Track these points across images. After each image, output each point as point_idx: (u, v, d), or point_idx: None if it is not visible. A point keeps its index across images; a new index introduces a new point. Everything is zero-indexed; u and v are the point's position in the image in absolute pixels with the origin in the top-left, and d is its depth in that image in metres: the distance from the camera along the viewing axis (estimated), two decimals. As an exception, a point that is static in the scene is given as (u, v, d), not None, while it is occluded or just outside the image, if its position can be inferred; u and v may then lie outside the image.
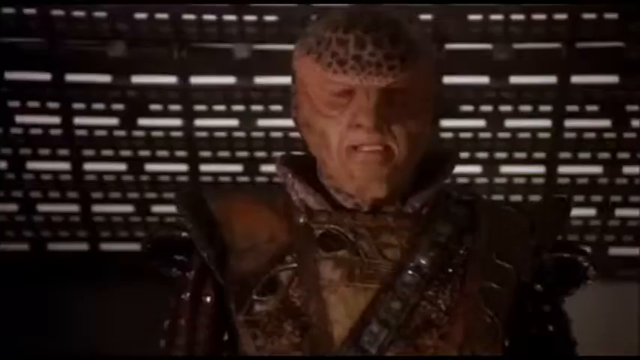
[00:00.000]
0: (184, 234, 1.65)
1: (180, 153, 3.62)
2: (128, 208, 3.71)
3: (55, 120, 3.58)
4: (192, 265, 1.65)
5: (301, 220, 1.61)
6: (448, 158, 1.66)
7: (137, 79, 3.53)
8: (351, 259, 1.58)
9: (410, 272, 1.57)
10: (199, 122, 3.58)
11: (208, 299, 1.63)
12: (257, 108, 3.55)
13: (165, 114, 3.57)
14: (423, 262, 1.58)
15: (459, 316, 1.57)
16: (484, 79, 3.52)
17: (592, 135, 3.58)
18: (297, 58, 1.62)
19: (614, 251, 3.74)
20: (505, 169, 3.65)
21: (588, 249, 3.69)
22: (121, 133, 3.59)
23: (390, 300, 1.56)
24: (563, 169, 3.64)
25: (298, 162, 1.66)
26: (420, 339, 1.56)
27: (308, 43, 1.59)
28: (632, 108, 3.53)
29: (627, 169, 3.62)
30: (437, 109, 1.63)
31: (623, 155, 3.60)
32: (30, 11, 3.42)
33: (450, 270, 1.59)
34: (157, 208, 3.69)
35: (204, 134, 3.59)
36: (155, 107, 3.56)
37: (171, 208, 3.66)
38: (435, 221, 1.61)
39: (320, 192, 1.62)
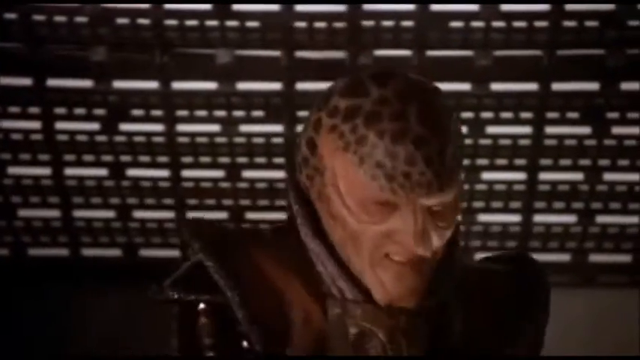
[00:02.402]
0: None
1: (162, 158, 3.62)
2: (109, 214, 3.70)
3: (36, 125, 3.58)
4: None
5: (335, 312, 1.50)
6: (457, 242, 1.57)
7: (118, 84, 3.53)
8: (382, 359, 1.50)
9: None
10: (181, 127, 3.58)
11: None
12: (239, 113, 3.55)
13: (146, 119, 3.56)
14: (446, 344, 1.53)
15: None
16: (465, 86, 3.53)
17: (573, 142, 3.59)
18: (326, 144, 1.48)
19: (594, 258, 3.76)
20: (486, 175, 3.66)
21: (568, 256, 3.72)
22: (103, 138, 3.58)
23: None
24: (543, 176, 3.65)
25: (318, 222, 1.52)
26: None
27: (343, 134, 1.46)
28: (612, 115, 3.55)
29: (608, 176, 3.63)
30: None
31: (604, 162, 3.61)
32: (11, 16, 3.41)
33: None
34: (138, 214, 3.68)
35: (185, 140, 3.59)
36: (136, 112, 3.56)
37: (152, 214, 3.66)
38: (451, 317, 1.55)
39: (351, 277, 1.50)
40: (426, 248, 1.45)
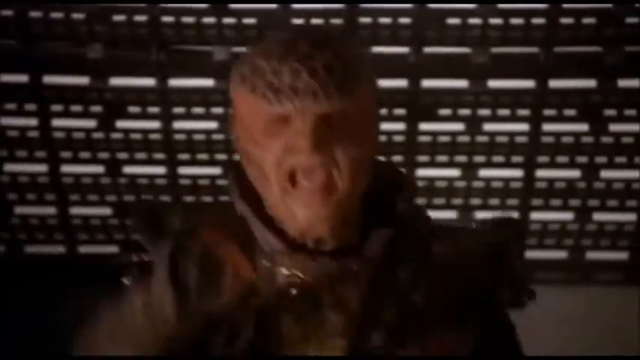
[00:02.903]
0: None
1: (159, 155, 3.61)
2: (106, 211, 3.70)
3: (33, 122, 3.57)
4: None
5: (264, 263, 1.56)
6: (402, 185, 1.61)
7: (115, 81, 3.52)
8: (312, 313, 1.53)
9: (375, 330, 1.53)
10: (178, 125, 3.57)
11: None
12: (235, 111, 3.54)
13: (143, 116, 3.56)
14: (387, 315, 1.53)
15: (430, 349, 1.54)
16: (462, 83, 3.53)
17: (570, 139, 3.59)
18: (233, 88, 1.59)
19: (591, 255, 3.76)
20: (483, 172, 3.66)
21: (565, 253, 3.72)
22: (99, 135, 3.58)
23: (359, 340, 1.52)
24: (541, 173, 3.65)
25: (253, 189, 1.60)
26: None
27: (243, 73, 1.56)
28: (609, 112, 3.55)
29: (605, 174, 3.63)
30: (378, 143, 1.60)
31: (601, 160, 3.61)
32: (7, 13, 3.41)
33: (412, 319, 1.55)
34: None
35: (182, 137, 3.58)
36: (133, 109, 3.56)
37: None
38: (394, 266, 1.56)
39: (277, 229, 1.56)
40: (322, 152, 1.49)
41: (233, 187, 1.62)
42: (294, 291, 1.53)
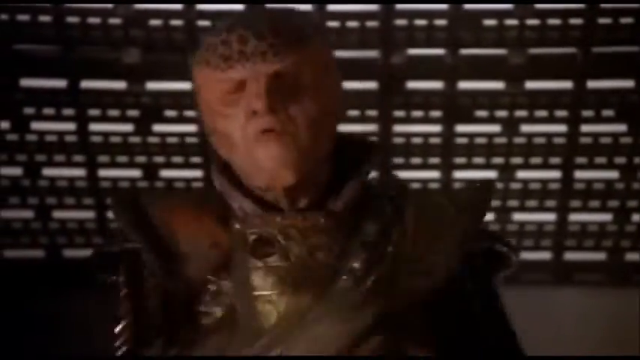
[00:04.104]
0: (127, 244, 1.66)
1: (195, 159, 3.63)
2: (143, 215, 3.71)
3: (70, 126, 3.59)
4: (121, 270, 1.69)
5: (236, 226, 1.61)
6: (371, 149, 1.66)
7: (152, 85, 3.54)
8: (282, 265, 1.57)
9: (344, 277, 1.56)
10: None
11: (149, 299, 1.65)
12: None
13: (179, 120, 3.57)
14: (356, 265, 1.57)
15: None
16: (499, 85, 3.51)
17: (608, 140, 3.57)
18: (193, 69, 1.65)
19: (630, 257, 3.73)
20: (521, 174, 3.64)
21: (603, 255, 3.70)
22: (136, 139, 3.60)
23: (327, 306, 1.55)
24: (579, 174, 3.63)
25: (232, 169, 1.65)
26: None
27: (198, 54, 1.63)
28: (648, 112, 3.53)
29: (644, 174, 3.61)
30: (340, 105, 1.64)
31: (640, 160, 3.59)
32: (45, 18, 3.43)
33: (380, 270, 1.58)
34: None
35: (218, 140, 3.58)
36: (170, 113, 3.57)
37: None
38: (362, 219, 1.60)
39: (251, 196, 1.62)
40: (278, 112, 1.54)
41: (213, 164, 1.67)
42: (263, 246, 1.58)
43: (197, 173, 3.65)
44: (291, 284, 1.56)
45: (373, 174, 1.66)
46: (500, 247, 1.67)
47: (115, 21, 3.43)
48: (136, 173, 3.66)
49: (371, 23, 3.41)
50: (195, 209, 1.64)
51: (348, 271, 1.56)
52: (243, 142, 1.57)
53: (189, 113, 3.56)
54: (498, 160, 3.61)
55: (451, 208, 1.64)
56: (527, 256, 3.69)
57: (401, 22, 3.41)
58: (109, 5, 3.41)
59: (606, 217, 3.68)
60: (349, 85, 3.37)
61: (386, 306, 1.56)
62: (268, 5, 1.71)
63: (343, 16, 3.41)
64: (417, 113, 3.54)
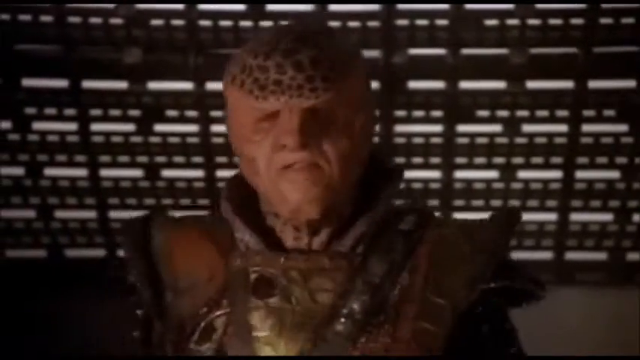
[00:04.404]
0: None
1: (197, 159, 3.63)
2: (145, 214, 3.71)
3: (72, 126, 3.60)
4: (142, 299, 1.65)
5: (237, 262, 1.57)
6: (392, 175, 1.61)
7: (153, 85, 3.54)
8: (282, 307, 1.54)
9: (342, 320, 1.52)
10: (215, 128, 3.58)
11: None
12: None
13: (181, 120, 3.57)
14: (356, 307, 1.53)
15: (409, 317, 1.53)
16: (500, 84, 3.51)
17: (609, 140, 3.57)
18: (225, 87, 1.61)
19: (631, 256, 3.73)
20: (522, 174, 3.64)
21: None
22: (138, 139, 3.60)
23: (321, 352, 1.52)
24: (580, 174, 3.63)
25: (244, 192, 1.61)
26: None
27: (232, 71, 1.57)
28: (649, 112, 3.53)
29: (645, 174, 3.61)
30: (372, 136, 1.60)
31: (641, 160, 3.59)
32: (46, 18, 3.44)
33: (383, 314, 1.53)
34: (174, 214, 3.68)
35: (220, 140, 3.59)
36: (171, 113, 3.57)
37: (187, 214, 3.67)
38: (370, 257, 1.56)
39: (259, 229, 1.58)
40: (309, 148, 1.51)
41: (223, 188, 1.64)
42: (264, 286, 1.55)
43: (198, 173, 3.65)
44: (290, 327, 1.53)
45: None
46: (520, 285, 1.58)
47: (116, 21, 3.44)
48: (137, 173, 3.66)
49: (372, 23, 3.41)
50: (199, 238, 1.61)
51: (346, 314, 1.53)
52: (267, 172, 1.53)
53: (191, 113, 3.57)
54: (499, 159, 3.61)
55: (466, 246, 1.58)
56: (528, 256, 3.70)
57: (402, 22, 3.41)
58: (111, 5, 3.41)
59: (607, 217, 3.68)
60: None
61: (384, 350, 1.52)
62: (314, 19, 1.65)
63: (344, 16, 3.41)
64: (419, 113, 3.54)
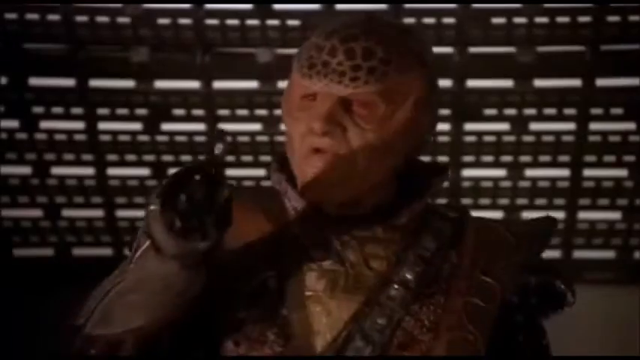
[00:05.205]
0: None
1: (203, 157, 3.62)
2: (152, 213, 3.71)
3: (79, 125, 3.60)
4: None
5: (291, 228, 1.59)
6: (438, 173, 1.64)
7: (160, 84, 3.54)
8: (336, 269, 1.56)
9: (396, 287, 1.56)
10: (222, 127, 3.58)
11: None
12: (280, 112, 3.53)
13: (188, 119, 3.58)
14: (409, 276, 1.56)
15: (442, 333, 1.56)
16: (508, 83, 3.51)
17: (617, 138, 3.56)
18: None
19: (639, 255, 3.72)
20: (529, 172, 3.64)
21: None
22: (145, 138, 3.60)
23: (375, 315, 1.55)
24: (587, 172, 3.62)
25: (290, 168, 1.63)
26: (402, 356, 1.55)
27: (299, 51, 1.61)
28: (657, 111, 3.52)
29: (653, 172, 3.60)
30: (416, 141, 1.60)
31: (649, 158, 3.58)
32: (54, 17, 3.44)
33: (435, 285, 1.57)
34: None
35: (227, 139, 3.58)
36: (178, 112, 3.57)
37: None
38: (421, 235, 1.59)
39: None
40: (332, 136, 1.53)
41: (274, 161, 1.66)
42: (319, 249, 1.57)
43: (206, 172, 3.65)
44: (343, 288, 1.56)
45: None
46: (557, 285, 1.63)
47: (123, 20, 3.44)
48: (144, 172, 3.66)
49: (379, 22, 3.41)
50: (252, 205, 1.62)
51: (400, 281, 1.56)
52: (298, 152, 1.57)
53: (198, 112, 3.57)
54: (507, 158, 3.61)
55: (511, 238, 1.62)
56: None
57: (409, 20, 3.41)
58: (118, 4, 3.42)
59: (615, 215, 3.67)
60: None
61: (436, 320, 1.56)
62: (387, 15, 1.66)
63: (351, 15, 3.40)
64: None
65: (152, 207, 1.45)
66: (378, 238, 1.58)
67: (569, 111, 3.54)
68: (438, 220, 1.62)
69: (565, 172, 3.63)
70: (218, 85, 3.54)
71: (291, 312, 1.56)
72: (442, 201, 3.60)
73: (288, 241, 1.59)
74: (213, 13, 3.43)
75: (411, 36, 1.60)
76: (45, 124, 3.60)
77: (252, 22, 3.44)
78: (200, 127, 3.60)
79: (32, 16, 3.43)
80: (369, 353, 1.54)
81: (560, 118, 3.55)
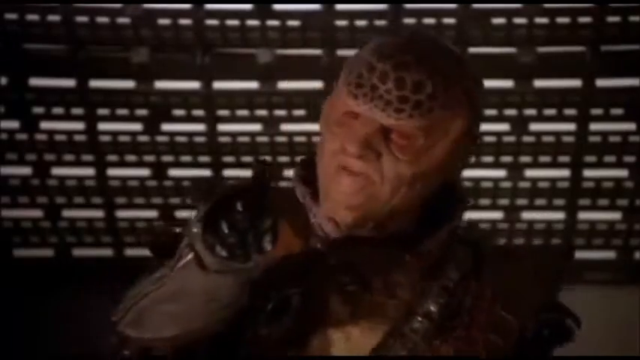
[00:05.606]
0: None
1: (204, 158, 3.63)
2: (152, 214, 3.72)
3: (79, 126, 3.60)
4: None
5: (317, 246, 1.58)
6: (460, 199, 1.63)
7: (160, 84, 3.54)
8: (361, 295, 1.55)
9: (419, 319, 1.55)
10: (222, 127, 3.59)
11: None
12: (280, 113, 3.55)
13: (188, 119, 3.57)
14: (433, 308, 1.56)
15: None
16: (508, 83, 3.51)
17: (617, 138, 3.56)
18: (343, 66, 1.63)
19: (639, 255, 3.72)
20: (529, 172, 3.64)
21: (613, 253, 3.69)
22: (145, 138, 3.60)
23: (398, 347, 1.54)
24: (588, 173, 3.62)
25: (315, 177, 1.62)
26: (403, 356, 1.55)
27: (354, 57, 1.59)
28: (657, 111, 3.52)
29: (653, 173, 3.60)
30: (447, 173, 1.59)
31: (649, 158, 3.58)
32: (54, 18, 3.44)
33: (457, 318, 1.57)
34: (181, 214, 3.69)
35: (227, 139, 3.59)
36: (178, 112, 3.57)
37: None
38: (444, 265, 1.58)
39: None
40: (367, 161, 1.52)
41: (297, 171, 1.64)
42: (344, 274, 1.55)
43: (206, 172, 3.65)
44: (367, 316, 1.55)
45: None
46: (568, 323, 1.64)
47: (123, 20, 3.44)
48: (144, 172, 3.66)
49: (380, 22, 3.41)
50: (279, 215, 1.58)
51: (424, 314, 1.55)
52: (327, 166, 1.55)
53: (198, 112, 3.57)
54: (507, 158, 3.61)
55: (531, 270, 1.62)
56: (536, 254, 3.69)
57: (409, 20, 3.41)
58: (118, 5, 3.42)
59: (615, 215, 3.67)
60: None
61: (455, 354, 1.55)
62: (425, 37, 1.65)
63: (351, 16, 3.41)
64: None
65: (194, 230, 1.44)
66: (404, 265, 1.56)
67: (570, 111, 3.54)
68: (459, 247, 1.61)
69: (565, 173, 3.62)
70: (218, 85, 3.54)
71: (312, 334, 1.54)
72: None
73: (313, 258, 1.57)
74: (213, 14, 3.43)
75: (463, 69, 1.60)
76: (45, 125, 3.60)
77: (252, 22, 3.44)
78: (200, 127, 3.59)
79: (32, 17, 3.43)
80: None
81: (560, 118, 3.54)
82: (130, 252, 3.77)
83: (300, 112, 3.54)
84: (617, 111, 3.52)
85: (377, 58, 1.54)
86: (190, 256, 1.47)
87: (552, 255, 1.67)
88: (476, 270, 1.59)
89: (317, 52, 3.47)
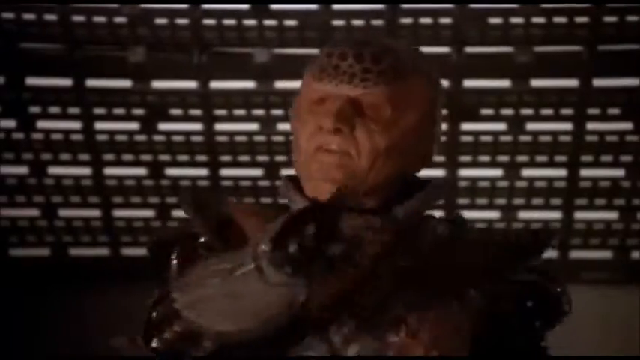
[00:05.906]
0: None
1: (201, 157, 3.63)
2: (149, 213, 3.72)
3: (76, 125, 3.60)
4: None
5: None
6: (436, 185, 1.67)
7: (157, 84, 3.54)
8: (346, 270, 1.54)
9: (386, 268, 1.58)
10: (219, 127, 3.59)
11: None
12: (277, 112, 3.56)
13: (185, 118, 3.58)
14: (401, 263, 1.58)
15: (429, 316, 1.57)
16: (505, 83, 3.51)
17: (614, 138, 3.56)
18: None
19: (636, 255, 3.73)
20: (526, 172, 3.64)
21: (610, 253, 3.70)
22: (142, 137, 3.60)
23: (366, 292, 1.57)
24: (584, 173, 3.63)
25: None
26: (387, 335, 1.56)
27: (309, 64, 1.65)
28: (654, 110, 3.52)
29: (650, 172, 3.61)
30: (419, 148, 1.63)
31: (646, 158, 3.58)
32: (51, 17, 3.44)
33: (427, 275, 1.59)
34: (177, 213, 3.69)
35: (224, 139, 3.59)
36: (175, 112, 3.57)
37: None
38: (420, 238, 1.61)
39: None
40: (342, 134, 1.57)
41: (284, 177, 1.68)
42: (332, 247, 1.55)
43: (203, 172, 3.65)
44: (328, 284, 1.55)
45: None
46: (551, 288, 1.66)
47: (120, 20, 3.44)
48: (141, 171, 3.66)
49: (376, 22, 3.41)
50: (255, 220, 1.63)
51: (392, 265, 1.58)
52: (304, 153, 1.60)
53: (195, 112, 3.57)
54: (504, 158, 3.61)
55: (504, 247, 1.63)
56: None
57: (406, 20, 3.41)
58: (115, 4, 3.42)
59: (612, 215, 3.67)
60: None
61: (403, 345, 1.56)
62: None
63: (348, 15, 3.41)
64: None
65: (263, 247, 1.47)
66: (377, 232, 1.59)
67: (566, 111, 3.54)
68: (439, 226, 1.63)
69: (562, 172, 3.63)
70: (215, 85, 3.54)
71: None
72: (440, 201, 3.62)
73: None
74: (210, 13, 3.43)
75: (419, 56, 1.66)
76: (42, 124, 3.60)
77: (249, 22, 3.44)
78: (197, 127, 3.60)
79: (29, 16, 3.43)
80: (352, 328, 1.55)
81: (557, 118, 3.55)
82: (126, 251, 3.77)
83: (297, 112, 3.54)
84: (613, 111, 3.53)
85: (333, 46, 1.62)
86: (252, 266, 1.49)
87: (530, 236, 1.67)
88: (448, 242, 1.62)
89: (314, 51, 3.46)
